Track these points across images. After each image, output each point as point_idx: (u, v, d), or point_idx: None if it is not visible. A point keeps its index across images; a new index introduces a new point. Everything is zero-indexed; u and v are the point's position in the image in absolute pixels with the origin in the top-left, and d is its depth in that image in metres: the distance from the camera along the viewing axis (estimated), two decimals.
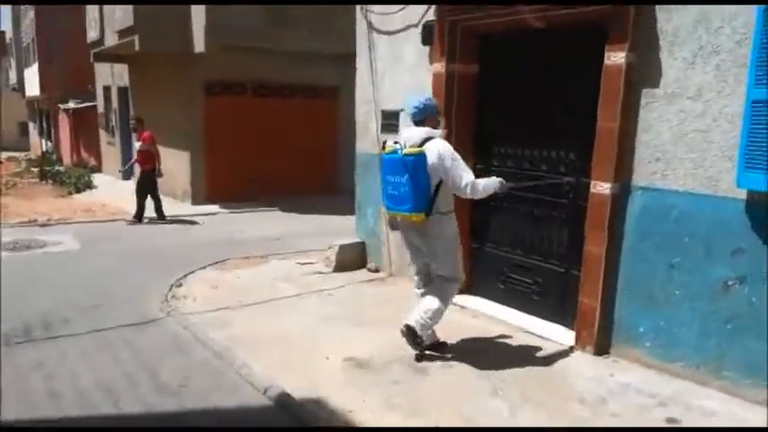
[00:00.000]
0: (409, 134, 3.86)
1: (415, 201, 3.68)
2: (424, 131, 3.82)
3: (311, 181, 11.50)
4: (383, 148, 3.97)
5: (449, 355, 4.04)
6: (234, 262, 6.60)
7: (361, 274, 6.04)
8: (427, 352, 4.02)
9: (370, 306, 5.08)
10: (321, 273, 6.08)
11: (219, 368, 3.94)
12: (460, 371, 3.84)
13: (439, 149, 3.72)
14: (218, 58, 9.96)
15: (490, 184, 3.78)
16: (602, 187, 3.94)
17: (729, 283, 3.44)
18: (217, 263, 6.51)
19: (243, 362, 3.95)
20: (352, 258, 6.19)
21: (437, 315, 3.90)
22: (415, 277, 4.20)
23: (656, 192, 3.74)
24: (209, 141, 10.80)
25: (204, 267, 6.33)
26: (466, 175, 3.71)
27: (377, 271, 6.06)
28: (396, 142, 3.88)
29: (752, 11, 3.19)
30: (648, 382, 3.66)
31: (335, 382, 3.69)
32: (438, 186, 3.75)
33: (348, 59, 10.44)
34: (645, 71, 3.72)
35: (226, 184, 10.81)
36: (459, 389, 3.59)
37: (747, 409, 3.32)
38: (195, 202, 10.80)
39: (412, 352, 4.01)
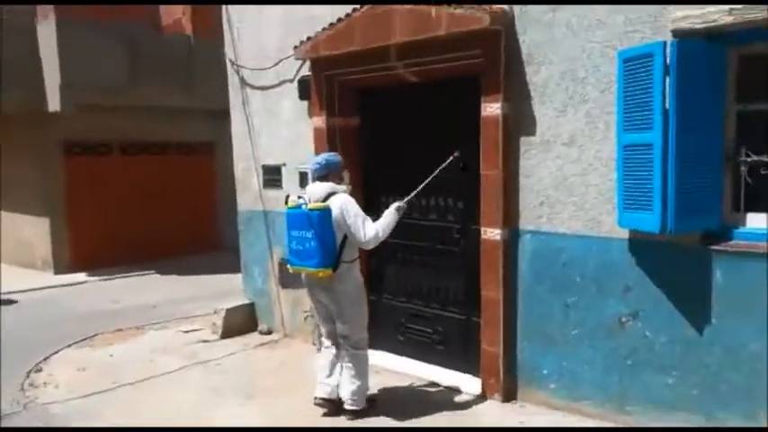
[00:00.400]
0: (313, 189, 3.87)
1: (322, 256, 3.66)
2: (327, 186, 3.82)
3: (190, 240, 10.82)
4: (286, 202, 3.93)
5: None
6: (105, 337, 5.90)
7: (253, 337, 5.66)
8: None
9: (264, 373, 4.73)
10: (207, 341, 5.61)
11: None
12: None
13: (341, 204, 3.74)
14: (76, 116, 9.21)
15: (390, 219, 3.85)
16: (492, 233, 3.98)
17: (623, 319, 3.55)
18: (84, 339, 5.79)
19: None
20: (241, 321, 5.79)
21: (364, 386, 3.95)
22: (324, 332, 4.05)
23: (544, 235, 3.83)
24: (71, 205, 9.84)
25: (69, 346, 5.60)
26: (368, 229, 3.74)
27: (269, 333, 5.71)
28: (299, 197, 3.88)
29: (613, 62, 3.39)
30: (558, 424, 3.66)
31: None
32: (343, 240, 3.76)
33: (222, 115, 10.12)
34: (520, 120, 3.84)
35: (94, 250, 9.86)
36: None
37: None
38: (58, 271, 9.72)
39: (314, 424, 3.77)
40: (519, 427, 3.16)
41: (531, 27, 3.72)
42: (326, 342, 4.03)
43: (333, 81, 4.82)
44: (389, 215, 3.86)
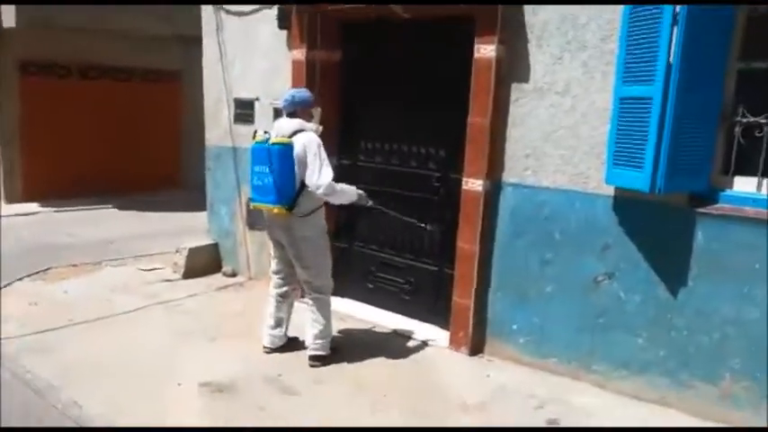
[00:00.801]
0: (280, 125, 3.68)
1: (278, 193, 3.52)
2: (295, 123, 3.63)
3: (152, 175, 10.38)
4: (254, 137, 3.74)
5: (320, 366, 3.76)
6: (59, 271, 5.62)
7: (216, 279, 5.46)
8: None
9: (229, 317, 4.56)
10: (168, 280, 5.39)
11: (41, 410, 3.22)
12: (333, 387, 3.52)
13: (304, 142, 3.54)
14: (33, 34, 8.58)
15: (349, 191, 3.70)
16: (474, 184, 3.83)
17: (599, 278, 3.49)
18: (37, 273, 5.50)
19: (71, 399, 3.28)
20: (205, 262, 5.58)
21: (327, 331, 3.82)
22: (274, 276, 3.91)
23: (527, 188, 3.70)
24: (26, 129, 9.27)
25: (20, 279, 5.32)
26: (324, 174, 3.51)
27: (234, 275, 5.52)
28: (266, 132, 3.70)
29: (618, 8, 3.21)
30: (524, 382, 3.62)
31: (190, 414, 3.18)
32: (304, 181, 3.56)
33: (192, 42, 9.55)
34: (514, 65, 3.65)
35: (49, 179, 9.36)
36: (334, 410, 3.26)
37: (620, 404, 3.39)
38: (10, 200, 9.24)
39: (277, 370, 3.67)
40: (545, 427, 3.08)
41: None
42: (274, 288, 3.90)
43: (316, 11, 4.50)
44: (352, 189, 3.72)
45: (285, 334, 3.96)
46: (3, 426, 3.07)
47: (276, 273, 3.90)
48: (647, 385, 3.38)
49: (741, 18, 3.04)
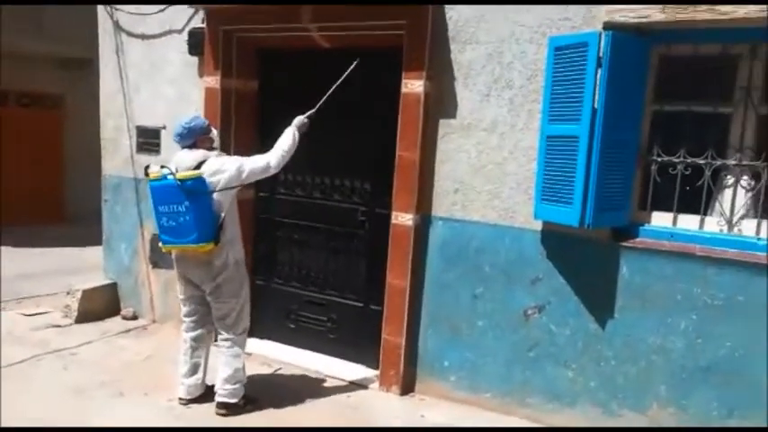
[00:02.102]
0: (183, 156, 3.38)
1: (201, 229, 3.24)
2: (198, 154, 3.38)
3: (31, 208, 9.38)
4: (146, 174, 3.40)
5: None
6: None
7: (115, 323, 4.96)
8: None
9: (134, 365, 4.13)
10: (59, 326, 4.82)
11: None
12: None
13: (215, 166, 3.33)
14: None
15: (288, 137, 3.49)
16: (403, 218, 3.77)
17: (529, 311, 3.53)
18: None
19: None
20: (101, 304, 5.06)
21: (239, 376, 3.53)
22: (187, 320, 3.59)
23: (457, 223, 3.70)
24: None
25: None
26: (262, 159, 3.40)
27: (135, 318, 5.05)
28: (163, 166, 3.36)
29: (543, 48, 3.32)
30: (459, 419, 3.56)
31: None
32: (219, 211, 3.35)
33: (75, 64, 8.90)
34: (442, 101, 3.67)
35: None
36: None
37: None
38: None
39: (201, 420, 3.36)
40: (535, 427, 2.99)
41: (461, 2, 3.54)
42: (187, 332, 3.59)
43: (231, 37, 4.29)
44: (288, 132, 3.49)
45: (203, 382, 3.64)
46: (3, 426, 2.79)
47: (189, 315, 3.58)
48: (580, 416, 3.44)
49: (655, 58, 3.24)
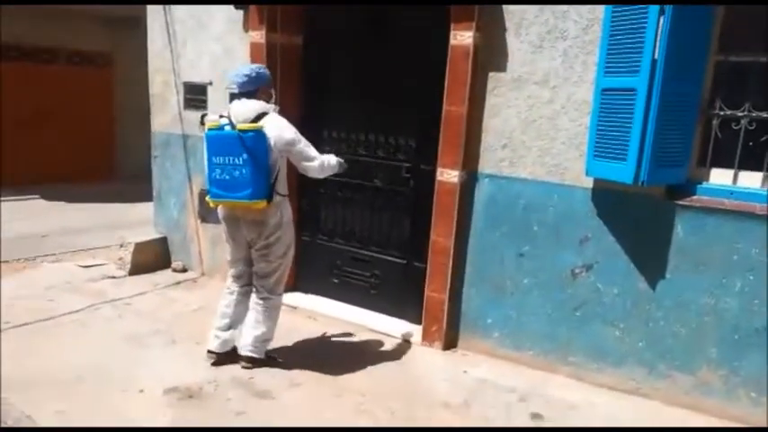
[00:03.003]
0: (239, 108, 3.26)
1: (257, 185, 3.16)
2: (258, 105, 3.26)
3: (82, 164, 9.68)
4: (202, 122, 3.33)
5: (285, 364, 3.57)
6: None
7: (166, 275, 5.13)
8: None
9: (185, 316, 4.27)
10: (113, 277, 5.01)
11: None
12: (310, 388, 3.34)
13: (280, 125, 3.25)
14: None
15: (333, 163, 3.44)
16: (449, 175, 3.72)
17: (577, 270, 3.47)
18: None
19: (21, 413, 2.95)
20: (153, 257, 5.23)
21: (270, 335, 3.56)
22: (233, 277, 3.56)
23: (504, 180, 3.63)
24: None
25: None
26: (313, 150, 3.33)
27: (184, 271, 5.20)
28: (221, 116, 3.28)
29: None
30: (502, 376, 3.57)
31: (160, 423, 2.92)
32: (278, 169, 3.30)
33: (123, 22, 8.98)
34: (492, 53, 3.55)
35: None
36: (316, 412, 3.09)
37: (598, 395, 3.40)
38: None
39: (248, 372, 3.46)
40: (536, 427, 3.02)
41: None
42: (231, 286, 3.55)
43: None
44: (334, 159, 3.44)
45: (233, 339, 3.56)
46: (2, 426, 2.86)
47: (240, 276, 3.52)
48: (625, 376, 3.41)
49: (721, 8, 3.05)
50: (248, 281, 3.55)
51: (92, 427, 2.87)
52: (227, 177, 3.20)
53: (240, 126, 3.16)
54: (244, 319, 3.56)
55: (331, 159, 3.42)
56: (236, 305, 3.55)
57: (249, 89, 3.29)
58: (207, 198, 3.39)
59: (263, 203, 3.19)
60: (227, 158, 3.18)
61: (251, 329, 3.50)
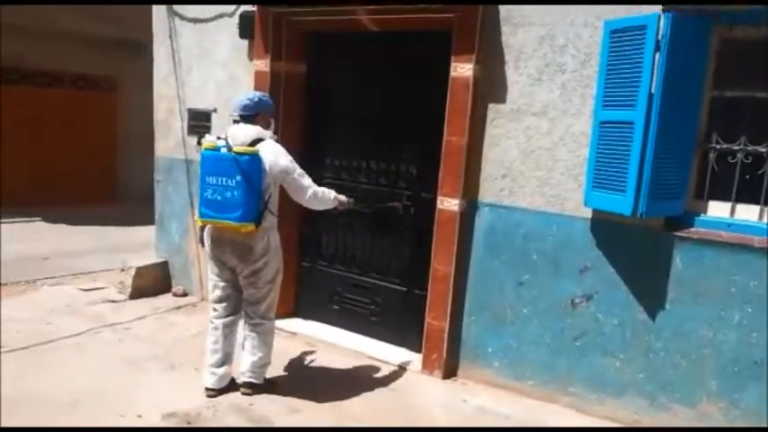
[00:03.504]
0: (236, 131, 3.31)
1: (247, 208, 3.18)
2: (254, 130, 3.31)
3: (84, 187, 9.74)
4: (199, 143, 3.38)
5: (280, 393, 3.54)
6: None
7: (166, 300, 5.13)
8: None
9: (184, 341, 4.27)
10: (114, 301, 5.02)
11: None
12: (309, 415, 3.33)
13: (275, 151, 3.30)
14: None
15: (329, 194, 3.49)
16: (449, 203, 3.76)
17: (577, 300, 3.48)
18: None
19: None
20: (154, 281, 5.24)
21: (267, 359, 3.57)
22: (219, 306, 3.51)
23: (503, 209, 3.67)
24: None
25: None
26: (307, 180, 3.38)
27: (185, 295, 5.21)
28: (219, 137, 3.31)
29: (597, 32, 3.24)
30: (501, 405, 3.56)
31: None
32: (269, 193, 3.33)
33: (127, 47, 9.08)
34: (492, 85, 3.62)
35: None
36: None
37: (593, 424, 3.40)
38: None
39: (246, 399, 3.45)
40: (534, 428, 3.02)
41: None
42: (219, 319, 3.49)
43: (280, 20, 4.33)
44: (331, 193, 3.51)
45: (230, 372, 3.54)
46: (3, 426, 2.88)
47: (222, 300, 3.47)
48: (624, 407, 3.40)
49: (715, 44, 3.12)
50: (232, 310, 3.51)
51: (92, 428, 2.88)
52: (219, 198, 3.21)
53: (237, 149, 3.19)
54: (234, 351, 3.55)
55: (327, 193, 3.47)
56: (224, 339, 3.51)
57: (249, 114, 3.35)
58: (195, 217, 3.38)
59: (251, 227, 3.19)
60: (220, 179, 3.20)
61: (248, 356, 3.50)
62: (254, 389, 3.49)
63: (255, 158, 3.19)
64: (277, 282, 3.49)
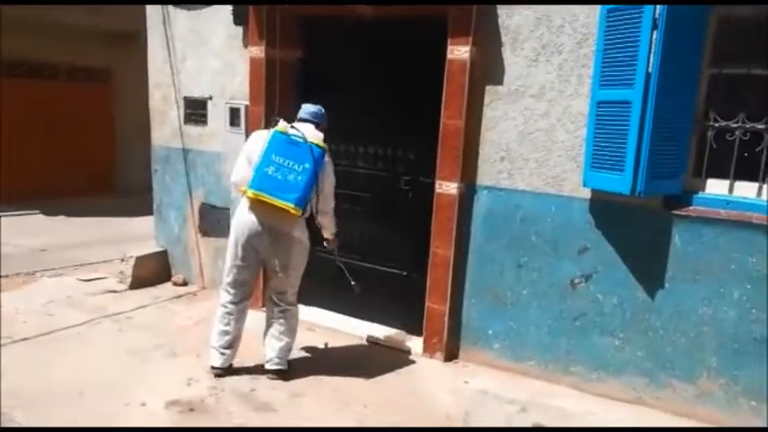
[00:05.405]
0: (309, 129, 3.46)
1: (303, 194, 3.30)
2: (321, 135, 3.45)
3: (82, 179, 9.72)
4: (273, 124, 3.45)
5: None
6: None
7: (166, 289, 5.14)
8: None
9: (186, 329, 4.28)
10: (114, 291, 5.02)
11: None
12: (312, 401, 3.35)
13: (332, 168, 3.53)
14: None
15: (334, 226, 3.74)
16: (447, 187, 3.76)
17: (576, 281, 3.50)
18: None
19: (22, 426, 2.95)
20: (153, 271, 5.24)
21: (292, 343, 3.68)
22: (235, 290, 3.55)
23: (502, 191, 3.67)
24: None
25: None
26: (332, 202, 3.62)
27: (185, 284, 5.22)
28: (293, 126, 3.42)
29: (594, 12, 3.22)
30: (503, 386, 3.58)
31: None
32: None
33: (122, 38, 9.03)
34: (488, 68, 3.61)
35: None
36: (318, 424, 3.10)
37: (596, 404, 3.42)
38: None
39: (249, 385, 3.46)
40: (536, 427, 3.06)
41: None
42: (232, 303, 3.55)
43: (275, 6, 4.30)
44: (334, 226, 3.74)
45: (234, 355, 3.61)
46: (3, 426, 2.89)
47: (238, 285, 3.53)
48: (625, 386, 3.42)
49: (713, 22, 3.11)
50: (246, 295, 3.59)
51: (92, 428, 2.89)
52: (280, 177, 3.28)
53: (312, 140, 3.35)
54: (241, 335, 3.61)
55: (333, 223, 3.69)
56: (236, 322, 3.57)
57: (316, 121, 3.53)
58: (244, 187, 3.38)
59: (298, 212, 3.30)
60: (288, 161, 3.30)
61: (275, 342, 3.58)
62: (282, 375, 3.57)
63: (324, 154, 3.38)
64: (301, 269, 3.62)
